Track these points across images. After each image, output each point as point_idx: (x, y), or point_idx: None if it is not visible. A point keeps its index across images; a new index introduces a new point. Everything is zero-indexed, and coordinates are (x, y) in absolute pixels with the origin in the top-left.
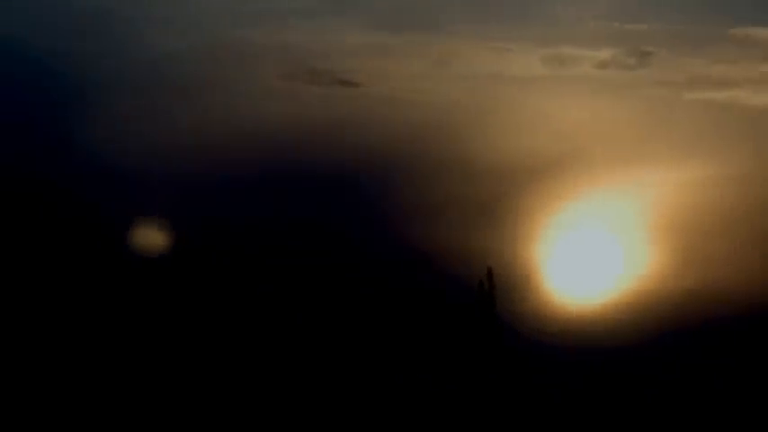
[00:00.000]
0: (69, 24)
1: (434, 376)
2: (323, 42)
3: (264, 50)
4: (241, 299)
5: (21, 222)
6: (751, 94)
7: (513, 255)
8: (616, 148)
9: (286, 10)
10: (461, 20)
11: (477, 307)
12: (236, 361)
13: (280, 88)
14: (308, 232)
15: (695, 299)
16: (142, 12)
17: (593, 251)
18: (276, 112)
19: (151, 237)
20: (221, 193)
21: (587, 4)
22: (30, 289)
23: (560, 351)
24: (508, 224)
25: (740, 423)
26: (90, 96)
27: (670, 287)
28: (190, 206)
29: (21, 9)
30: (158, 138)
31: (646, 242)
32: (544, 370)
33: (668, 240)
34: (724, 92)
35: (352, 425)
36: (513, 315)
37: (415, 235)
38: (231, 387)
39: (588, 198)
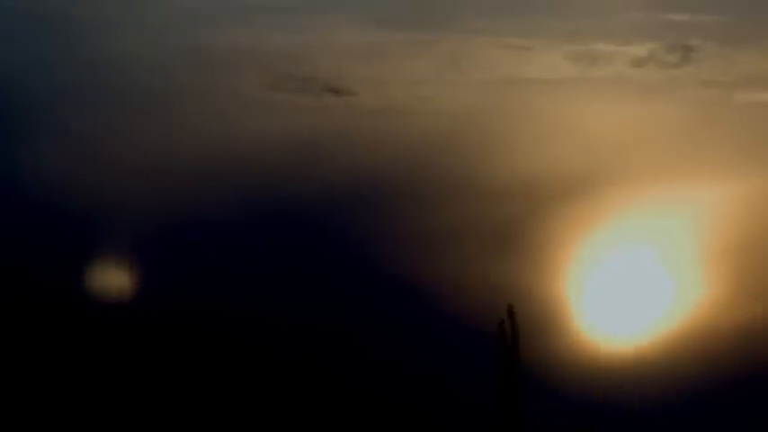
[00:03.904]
0: (26, 26)
1: None
2: (311, 44)
3: (244, 55)
4: (223, 335)
5: None
6: None
7: (537, 290)
8: (657, 159)
9: (268, 8)
10: (472, 14)
11: (498, 354)
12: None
13: (262, 99)
14: (295, 263)
15: (757, 337)
16: (107, 12)
17: (633, 283)
18: (259, 126)
19: (115, 274)
20: (198, 219)
21: None
22: None
23: (597, 404)
24: (531, 253)
25: None
26: (46, 108)
27: (726, 323)
28: (163, 233)
29: None
30: (125, 156)
31: (696, 271)
32: (576, 424)
33: (722, 268)
34: None
35: None
36: (539, 362)
37: (420, 267)
38: None
39: (625, 220)
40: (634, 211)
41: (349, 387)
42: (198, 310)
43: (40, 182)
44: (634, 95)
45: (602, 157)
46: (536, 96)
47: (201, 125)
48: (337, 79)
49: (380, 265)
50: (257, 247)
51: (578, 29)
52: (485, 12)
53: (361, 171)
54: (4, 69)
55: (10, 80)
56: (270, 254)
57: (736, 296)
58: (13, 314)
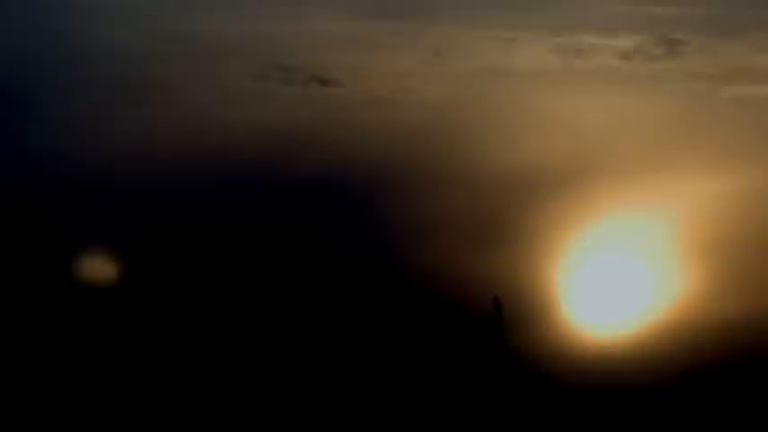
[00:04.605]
0: (12, 18)
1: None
2: (297, 35)
3: (231, 45)
4: (215, 322)
5: None
6: None
7: (523, 281)
8: (643, 152)
9: None
10: (457, 5)
11: (485, 343)
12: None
13: (249, 89)
14: (282, 251)
15: (738, 329)
16: (94, 3)
17: (618, 275)
18: (246, 116)
19: (106, 256)
20: (187, 206)
21: None
22: None
23: (581, 393)
24: (517, 245)
25: None
26: (36, 97)
27: (709, 316)
28: (151, 219)
29: None
30: (115, 145)
31: (679, 264)
32: (563, 414)
33: (706, 262)
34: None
35: None
36: (525, 352)
37: (406, 258)
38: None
39: (611, 212)
40: (619, 202)
41: (342, 372)
42: (180, 297)
43: (33, 166)
44: (621, 88)
45: (588, 149)
46: (521, 88)
47: (189, 114)
48: (324, 70)
49: (365, 254)
50: (242, 234)
51: (564, 21)
52: (470, 3)
53: (347, 160)
54: None
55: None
56: (253, 241)
57: (721, 289)
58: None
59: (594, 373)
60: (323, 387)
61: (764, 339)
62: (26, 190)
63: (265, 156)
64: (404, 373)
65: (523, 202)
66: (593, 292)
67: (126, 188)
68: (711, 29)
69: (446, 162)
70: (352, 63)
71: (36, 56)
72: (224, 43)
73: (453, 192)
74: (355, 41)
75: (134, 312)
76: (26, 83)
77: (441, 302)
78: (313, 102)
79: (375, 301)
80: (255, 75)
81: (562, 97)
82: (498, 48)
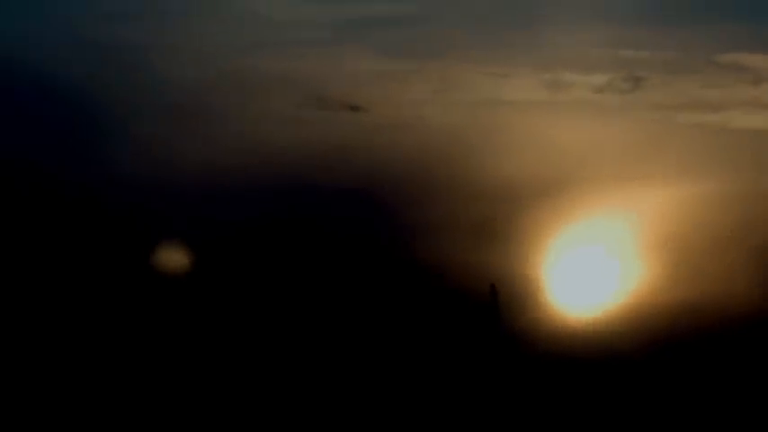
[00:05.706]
0: (77, 52)
1: (437, 392)
2: (331, 70)
3: (277, 79)
4: (249, 319)
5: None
6: (740, 116)
7: (515, 271)
8: (612, 168)
9: (295, 40)
10: (461, 47)
11: (484, 322)
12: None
13: (292, 114)
14: (316, 251)
15: (687, 311)
16: (149, 39)
17: (592, 267)
18: (289, 136)
19: (170, 259)
20: (240, 209)
21: (583, 32)
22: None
23: (562, 362)
24: (510, 242)
25: None
26: (96, 126)
27: (663, 300)
28: (203, 233)
29: (27, 36)
30: (170, 167)
31: (641, 258)
32: (547, 379)
33: (662, 256)
34: (715, 114)
35: None
36: (515, 328)
37: (419, 252)
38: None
39: (586, 216)
40: (593, 209)
41: (361, 347)
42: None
43: (113, 176)
44: (594, 116)
45: (567, 166)
46: (513, 115)
47: (242, 133)
48: (353, 99)
49: (386, 250)
50: (283, 233)
51: (549, 61)
52: (471, 46)
53: (372, 172)
54: (65, 90)
55: (70, 99)
56: (292, 239)
57: (673, 279)
58: None
59: (572, 346)
60: (351, 351)
61: (708, 319)
62: (109, 195)
63: (304, 168)
64: (416, 348)
65: (515, 207)
66: (572, 281)
67: (192, 194)
68: (669, 68)
69: (452, 174)
70: (377, 93)
71: (115, 86)
72: (271, 77)
73: (458, 199)
74: (379, 76)
75: (202, 299)
76: (104, 109)
77: (447, 288)
78: (344, 125)
79: (395, 287)
80: (297, 103)
81: (546, 123)
82: (494, 82)
